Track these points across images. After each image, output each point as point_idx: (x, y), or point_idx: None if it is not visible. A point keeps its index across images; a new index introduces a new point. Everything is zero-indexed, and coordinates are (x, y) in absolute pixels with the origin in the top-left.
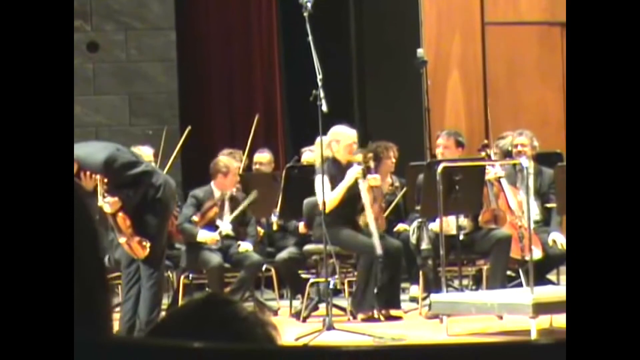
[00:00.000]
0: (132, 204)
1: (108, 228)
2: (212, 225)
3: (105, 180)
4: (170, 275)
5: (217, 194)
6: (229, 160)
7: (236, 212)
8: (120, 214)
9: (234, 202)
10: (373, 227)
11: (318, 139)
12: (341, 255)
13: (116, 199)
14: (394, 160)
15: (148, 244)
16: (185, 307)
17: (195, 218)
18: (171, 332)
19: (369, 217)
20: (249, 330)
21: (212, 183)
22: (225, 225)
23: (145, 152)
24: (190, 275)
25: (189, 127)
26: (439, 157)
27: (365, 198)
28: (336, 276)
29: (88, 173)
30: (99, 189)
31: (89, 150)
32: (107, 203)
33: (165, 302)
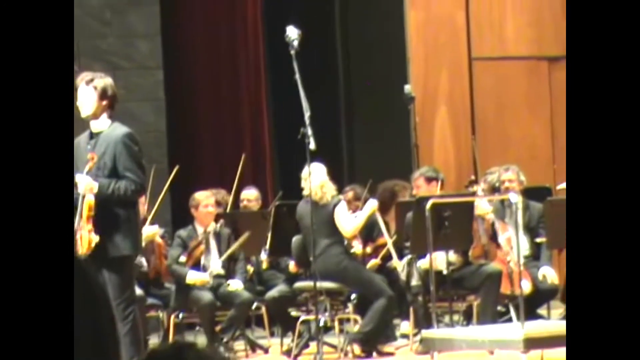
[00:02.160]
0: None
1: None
2: (199, 265)
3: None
4: (160, 315)
5: (199, 230)
6: (200, 195)
7: (227, 253)
8: (90, 199)
9: (220, 238)
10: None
11: (303, 173)
12: (332, 292)
13: (95, 183)
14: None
15: (96, 241)
16: (152, 354)
17: (183, 258)
18: None
19: (392, 251)
20: None
21: (194, 221)
22: (216, 265)
23: None
24: (180, 315)
25: (177, 167)
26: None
27: (385, 232)
28: (327, 313)
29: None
30: (88, 167)
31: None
32: (82, 180)
33: (156, 342)
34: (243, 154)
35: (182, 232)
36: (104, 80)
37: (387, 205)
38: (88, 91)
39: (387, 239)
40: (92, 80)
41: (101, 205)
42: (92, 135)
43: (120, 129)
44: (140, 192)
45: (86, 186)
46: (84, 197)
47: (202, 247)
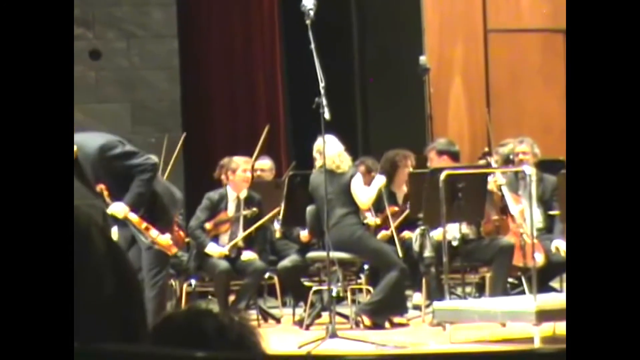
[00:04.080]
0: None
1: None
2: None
3: (102, 182)
4: (173, 283)
5: (232, 195)
6: (239, 159)
7: (253, 228)
8: (131, 216)
9: (251, 204)
10: (396, 238)
11: (316, 144)
12: (345, 262)
13: (122, 203)
14: (410, 169)
15: (169, 240)
16: (168, 320)
17: (208, 226)
18: (159, 344)
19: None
20: (237, 339)
21: (227, 186)
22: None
23: None
24: (193, 283)
25: (184, 134)
26: None
27: (386, 207)
28: (339, 284)
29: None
30: (104, 197)
31: (89, 136)
32: (114, 210)
33: (169, 310)
34: (267, 125)
35: (213, 195)
36: None
37: (389, 175)
38: None
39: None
40: None
41: (140, 207)
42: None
43: (87, 149)
44: (154, 169)
45: (121, 212)
46: (125, 219)
47: (229, 225)
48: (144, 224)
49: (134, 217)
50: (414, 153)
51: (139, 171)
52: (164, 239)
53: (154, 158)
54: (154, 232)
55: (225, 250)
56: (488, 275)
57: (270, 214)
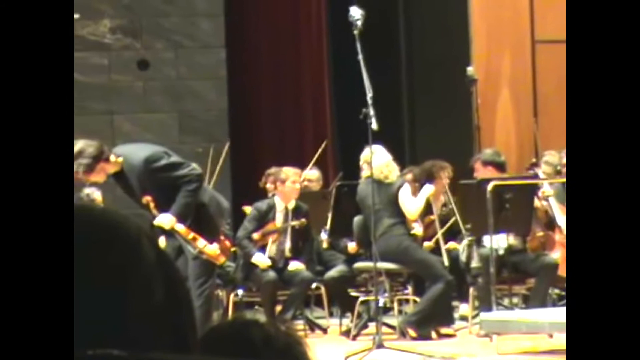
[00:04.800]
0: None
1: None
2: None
3: (148, 194)
4: (220, 293)
5: (280, 205)
6: (289, 170)
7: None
8: (178, 227)
9: (298, 215)
10: (443, 247)
11: (363, 154)
12: (392, 273)
13: (168, 214)
14: (448, 180)
15: (217, 250)
16: (215, 330)
17: (256, 236)
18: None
19: (440, 237)
20: (284, 349)
21: (275, 195)
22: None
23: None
24: (240, 293)
25: (227, 143)
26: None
27: (436, 218)
28: (386, 294)
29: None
30: (151, 209)
31: (134, 148)
32: (161, 222)
33: (216, 320)
34: (325, 140)
35: (261, 205)
36: (78, 147)
37: (424, 185)
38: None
39: (439, 230)
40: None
41: (186, 217)
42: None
43: (132, 160)
44: (199, 179)
45: (168, 224)
46: (172, 230)
47: (277, 236)
48: (191, 235)
49: (181, 228)
50: (461, 163)
51: (185, 182)
52: (212, 249)
53: (198, 168)
54: (201, 242)
55: (269, 261)
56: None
57: (295, 223)
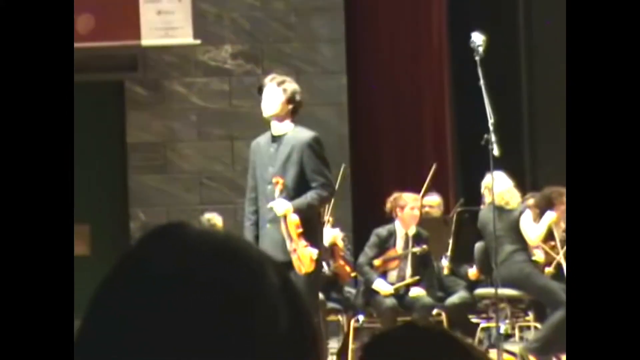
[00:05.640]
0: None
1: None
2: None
3: (281, 176)
4: (340, 319)
5: (400, 232)
6: (408, 196)
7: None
8: (292, 217)
9: (418, 240)
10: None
11: (485, 180)
12: (513, 299)
13: (289, 204)
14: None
15: (316, 255)
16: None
17: (377, 262)
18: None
19: (563, 260)
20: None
21: (395, 221)
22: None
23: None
24: (361, 319)
25: (343, 166)
26: None
27: (557, 243)
28: (507, 321)
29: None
30: (275, 189)
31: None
32: (277, 205)
33: (335, 346)
34: (434, 164)
35: (382, 231)
36: (294, 85)
37: (544, 212)
38: (277, 92)
39: (561, 254)
40: (283, 82)
41: (300, 216)
42: (274, 138)
43: (305, 133)
44: (332, 195)
45: (283, 210)
46: (285, 218)
47: (398, 262)
48: (300, 230)
49: (294, 219)
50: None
51: (321, 184)
52: (307, 253)
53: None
54: (302, 242)
55: (391, 289)
56: None
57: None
